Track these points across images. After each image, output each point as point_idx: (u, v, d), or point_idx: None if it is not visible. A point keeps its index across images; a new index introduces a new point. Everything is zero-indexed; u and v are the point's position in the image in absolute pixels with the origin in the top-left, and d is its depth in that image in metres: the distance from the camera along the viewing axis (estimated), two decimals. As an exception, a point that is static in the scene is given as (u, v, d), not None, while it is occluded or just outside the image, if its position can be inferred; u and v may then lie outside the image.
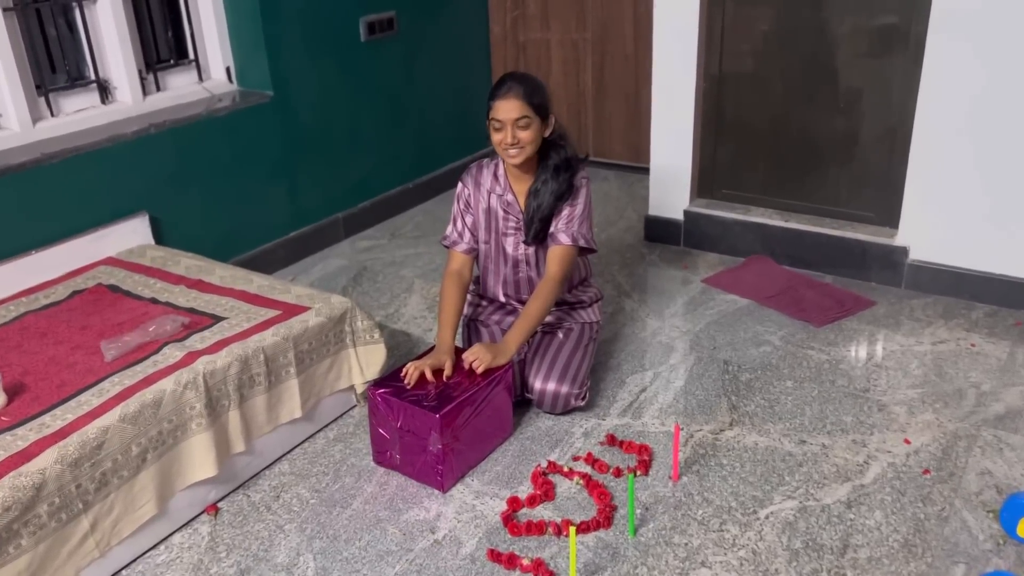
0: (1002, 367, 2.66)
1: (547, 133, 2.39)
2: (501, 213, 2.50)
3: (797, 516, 2.08)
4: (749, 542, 2.01)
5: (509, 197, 2.48)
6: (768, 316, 3.04)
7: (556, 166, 2.43)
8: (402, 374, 2.29)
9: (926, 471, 2.21)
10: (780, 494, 2.16)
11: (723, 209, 3.53)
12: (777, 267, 3.38)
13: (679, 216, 3.60)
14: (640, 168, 4.35)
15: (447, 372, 2.30)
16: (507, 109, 2.31)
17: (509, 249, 2.54)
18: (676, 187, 3.58)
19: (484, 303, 2.69)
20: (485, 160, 2.54)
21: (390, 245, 3.84)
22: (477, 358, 2.30)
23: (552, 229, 2.45)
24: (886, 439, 2.35)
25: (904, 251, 3.16)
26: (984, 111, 2.85)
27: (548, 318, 2.59)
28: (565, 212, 2.44)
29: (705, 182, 3.59)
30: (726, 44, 3.35)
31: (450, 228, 2.57)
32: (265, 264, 3.48)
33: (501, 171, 2.49)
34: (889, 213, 3.22)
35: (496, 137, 2.36)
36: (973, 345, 2.79)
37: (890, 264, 3.19)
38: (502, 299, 2.64)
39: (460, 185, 2.55)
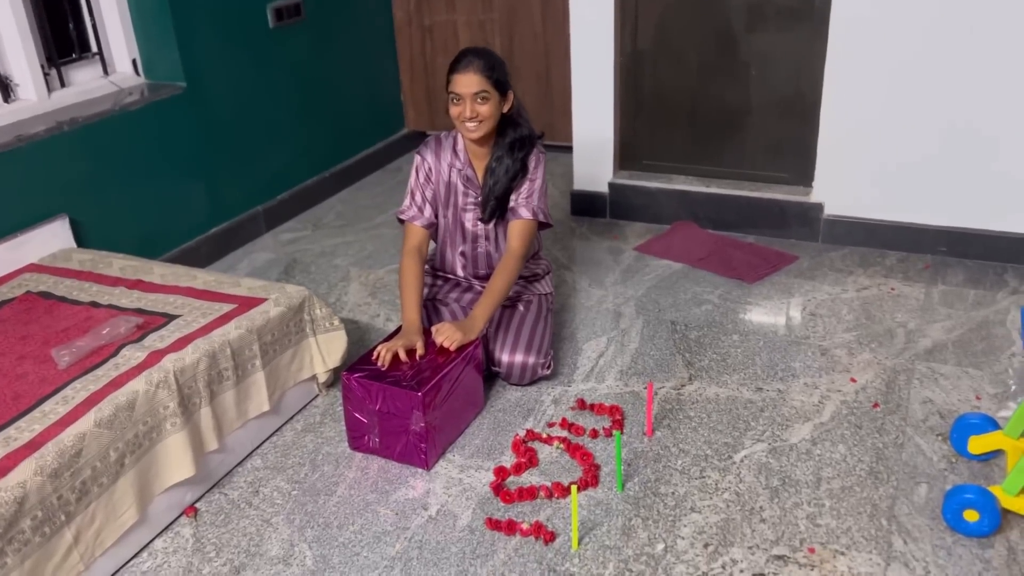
0: (921, 306, 2.89)
1: (506, 109, 2.41)
2: (461, 188, 2.51)
3: (769, 456, 2.21)
4: (731, 485, 2.12)
5: (469, 172, 2.50)
6: (703, 277, 3.18)
7: (511, 143, 2.45)
8: (374, 357, 2.28)
9: (876, 405, 2.38)
10: (749, 438, 2.28)
11: (646, 179, 3.65)
12: (702, 231, 3.53)
13: (604, 189, 3.70)
14: (556, 146, 4.41)
15: (420, 351, 2.30)
16: (466, 83, 2.32)
17: (468, 224, 2.55)
18: (599, 161, 3.67)
19: (440, 282, 2.70)
20: (443, 133, 2.55)
21: (315, 236, 3.77)
22: (447, 336, 2.31)
23: (512, 204, 2.48)
24: (834, 380, 2.51)
25: (819, 207, 3.36)
26: (885, 74, 3.06)
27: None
28: (524, 187, 2.47)
29: (627, 154, 3.70)
30: (640, 20, 3.46)
31: (407, 202, 2.55)
32: (190, 262, 3.33)
33: (460, 145, 2.50)
34: (803, 173, 3.41)
35: (455, 111, 2.36)
36: (893, 289, 3.01)
37: (807, 221, 3.39)
38: (460, 273, 2.65)
39: (418, 158, 2.53)
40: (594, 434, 2.32)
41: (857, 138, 3.20)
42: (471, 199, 2.52)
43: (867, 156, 3.21)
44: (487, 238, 2.57)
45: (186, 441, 2.07)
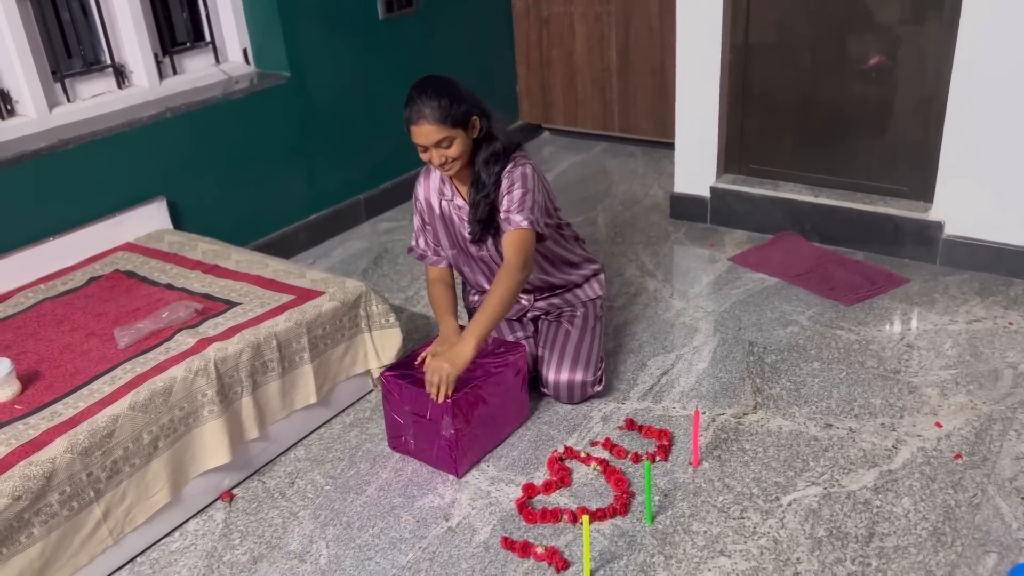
0: (1041, 346, 2.56)
1: (475, 135, 2.24)
2: (456, 218, 2.39)
3: (821, 503, 2.01)
4: (770, 530, 1.95)
5: (459, 201, 2.37)
6: (796, 295, 2.95)
7: (486, 160, 2.27)
8: (417, 362, 2.26)
9: (958, 456, 2.13)
10: (804, 480, 2.09)
11: (751, 185, 3.43)
12: (806, 244, 3.28)
13: (705, 193, 3.51)
14: (667, 144, 4.23)
15: None
16: (424, 135, 2.16)
17: (473, 250, 2.42)
18: (702, 163, 3.48)
19: (474, 292, 2.63)
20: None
21: (411, 226, 3.78)
22: (435, 384, 2.11)
23: (502, 217, 2.29)
24: (916, 422, 2.27)
25: (939, 226, 3.04)
26: (1023, 78, 2.72)
27: (541, 304, 2.54)
28: (505, 200, 2.28)
29: (732, 157, 3.49)
30: (752, 13, 3.24)
31: (414, 241, 2.50)
32: (285, 248, 3.46)
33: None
34: (923, 187, 3.10)
35: (423, 157, 2.23)
36: (1011, 323, 2.68)
37: (924, 240, 3.08)
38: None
39: (413, 196, 2.45)
40: (636, 458, 2.20)
41: (987, 149, 2.86)
42: (468, 225, 2.38)
43: (997, 170, 2.86)
44: (495, 261, 2.41)
45: (223, 428, 2.13)
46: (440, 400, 2.11)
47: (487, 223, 2.31)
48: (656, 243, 3.44)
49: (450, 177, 2.34)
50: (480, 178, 2.27)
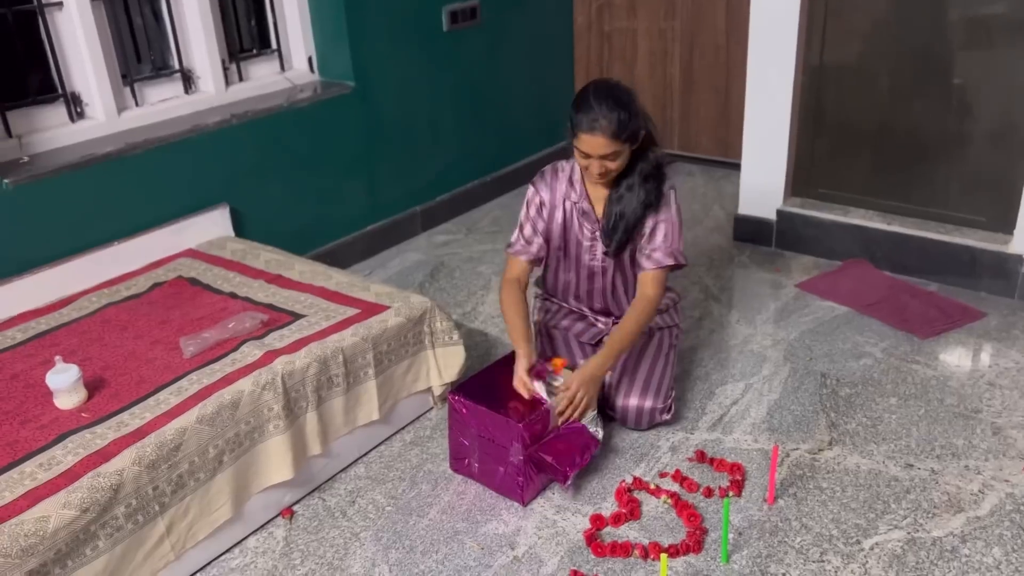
0: None
1: (635, 147, 2.19)
2: (576, 223, 2.34)
3: (905, 549, 1.92)
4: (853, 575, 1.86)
5: (585, 205, 2.31)
6: (868, 325, 2.86)
7: (646, 175, 2.23)
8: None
9: (1050, 505, 2.03)
10: (886, 523, 2.00)
11: (820, 209, 3.34)
12: (877, 273, 3.18)
13: (771, 216, 3.42)
14: (727, 163, 4.18)
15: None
16: (595, 146, 2.09)
17: (586, 259, 2.38)
18: (769, 185, 3.40)
19: (553, 307, 2.57)
20: (560, 163, 2.36)
21: (467, 240, 3.75)
22: (577, 403, 2.15)
23: (648, 248, 2.27)
24: (1003, 466, 2.17)
25: (1019, 259, 2.93)
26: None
27: None
28: (661, 230, 2.26)
29: (800, 180, 3.40)
30: (828, 33, 3.16)
31: (516, 235, 2.39)
32: (343, 257, 3.44)
33: (577, 176, 2.32)
34: (1003, 218, 2.99)
35: (582, 163, 2.18)
36: (1099, 365, 2.57)
37: (1002, 273, 2.96)
38: (572, 304, 2.51)
39: (532, 189, 2.36)
40: (708, 493, 2.13)
41: (1075, 183, 2.75)
42: (588, 232, 2.34)
43: (1085, 205, 2.76)
44: (604, 274, 2.39)
45: (288, 444, 2.09)
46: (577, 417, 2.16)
47: (627, 234, 2.27)
48: (719, 266, 3.36)
49: (582, 179, 2.31)
50: (636, 190, 2.22)
